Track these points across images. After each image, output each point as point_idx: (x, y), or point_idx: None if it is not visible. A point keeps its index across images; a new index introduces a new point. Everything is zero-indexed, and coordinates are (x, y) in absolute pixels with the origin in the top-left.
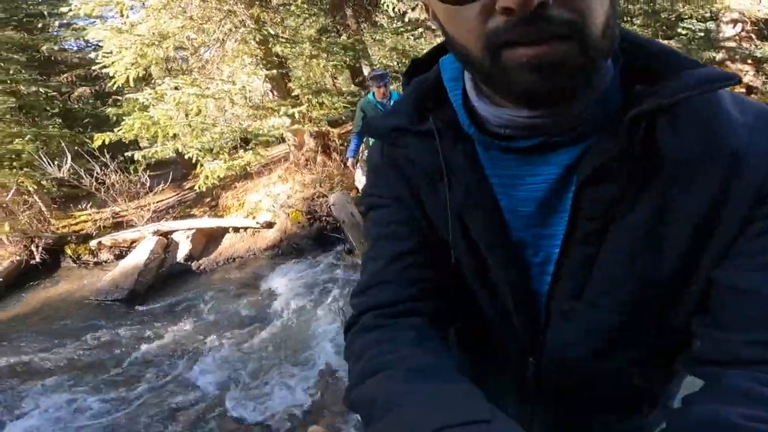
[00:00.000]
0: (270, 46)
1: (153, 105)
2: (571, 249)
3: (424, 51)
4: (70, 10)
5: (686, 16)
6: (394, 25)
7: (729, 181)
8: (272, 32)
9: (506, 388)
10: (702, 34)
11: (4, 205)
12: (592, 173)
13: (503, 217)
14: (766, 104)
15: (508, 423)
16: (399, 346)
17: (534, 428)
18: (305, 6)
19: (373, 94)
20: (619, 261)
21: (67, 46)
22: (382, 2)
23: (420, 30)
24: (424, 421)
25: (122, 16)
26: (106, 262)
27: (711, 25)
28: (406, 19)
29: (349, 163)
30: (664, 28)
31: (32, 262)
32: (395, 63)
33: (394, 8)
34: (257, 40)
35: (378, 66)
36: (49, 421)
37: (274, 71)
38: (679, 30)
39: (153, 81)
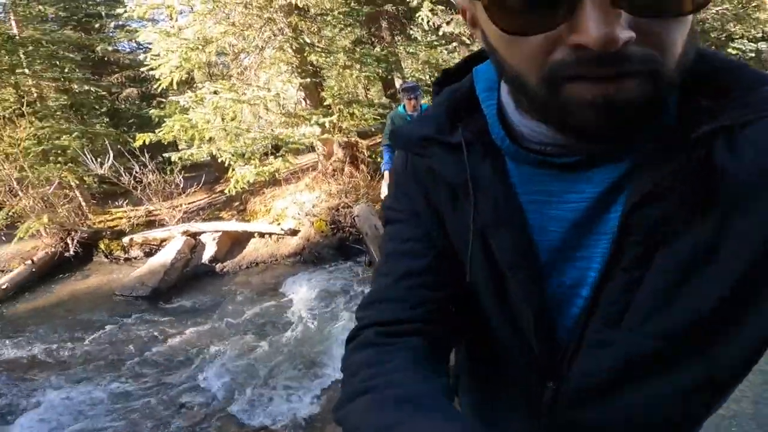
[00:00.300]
0: (306, 54)
1: (192, 108)
2: (615, 273)
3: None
4: (125, 11)
5: (737, 36)
6: (428, 39)
7: None
8: (308, 41)
9: (515, 416)
10: (753, 54)
11: (45, 198)
12: (646, 193)
13: (531, 236)
14: None
15: None
16: (393, 368)
17: None
18: (341, 16)
19: (404, 106)
20: (665, 286)
21: (119, 48)
22: (416, 16)
23: (454, 44)
24: None
25: (171, 19)
26: (135, 258)
27: (763, 45)
28: (440, 33)
29: (386, 176)
30: (713, 47)
31: (66, 254)
32: (427, 76)
33: (428, 22)
34: (294, 48)
35: (410, 79)
36: (59, 409)
37: (308, 80)
38: (729, 50)
39: (195, 85)
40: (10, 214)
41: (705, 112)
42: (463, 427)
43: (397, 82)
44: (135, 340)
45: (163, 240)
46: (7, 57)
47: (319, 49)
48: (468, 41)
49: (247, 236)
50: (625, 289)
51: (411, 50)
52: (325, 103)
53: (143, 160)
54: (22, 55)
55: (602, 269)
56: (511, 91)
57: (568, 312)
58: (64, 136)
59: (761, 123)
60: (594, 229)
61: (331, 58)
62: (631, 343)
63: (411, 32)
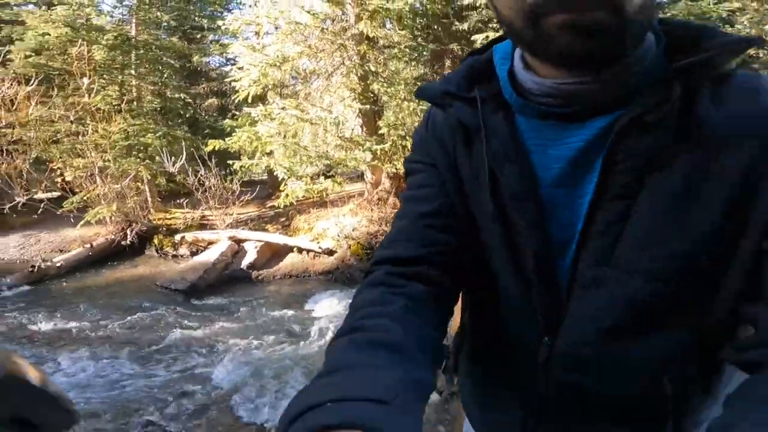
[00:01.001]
0: (369, 82)
1: (261, 121)
2: (602, 204)
3: None
4: (222, 26)
5: None
6: None
7: None
8: (373, 69)
9: (512, 386)
10: None
11: (119, 189)
12: (628, 123)
13: (535, 172)
14: None
15: (407, 410)
16: (387, 312)
17: None
18: (407, 50)
19: None
20: (653, 218)
21: (211, 61)
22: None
23: None
24: (334, 389)
25: (258, 35)
26: (182, 256)
27: None
28: None
29: None
30: None
31: (123, 243)
32: None
33: None
34: (358, 75)
35: None
36: (72, 380)
37: (368, 107)
38: None
39: (267, 102)
40: (85, 198)
41: (686, 52)
42: (401, 378)
43: None
44: (162, 328)
45: (210, 242)
46: (121, 57)
47: (382, 79)
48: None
49: (287, 250)
50: (612, 222)
51: None
52: (379, 132)
53: (209, 165)
54: (133, 57)
55: (592, 199)
56: (521, 55)
57: (566, 251)
58: (148, 135)
59: (742, 78)
60: (587, 165)
61: (392, 89)
62: (623, 283)
63: None
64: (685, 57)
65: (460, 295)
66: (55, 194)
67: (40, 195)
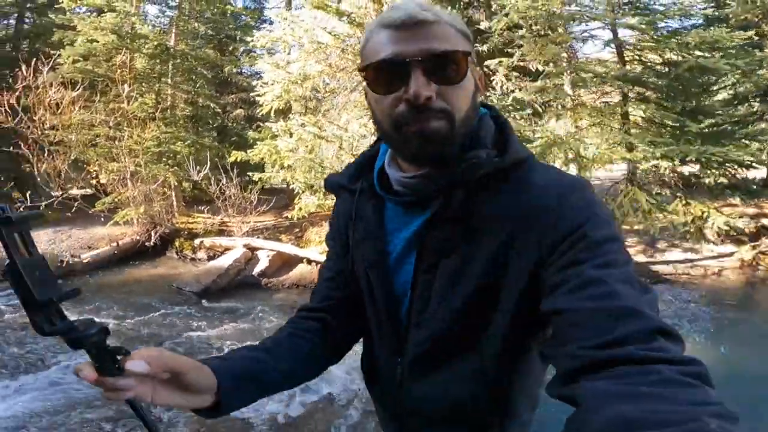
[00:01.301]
0: None
1: (281, 136)
2: (419, 276)
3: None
4: (253, 40)
5: None
6: (503, 103)
7: (539, 230)
8: None
9: (385, 392)
10: None
11: (147, 193)
12: (425, 225)
13: (386, 248)
14: (563, 170)
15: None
16: (286, 333)
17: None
18: None
19: None
20: (444, 285)
21: (242, 71)
22: (491, 80)
23: (528, 111)
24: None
25: (284, 52)
26: (199, 260)
27: None
28: (510, 99)
29: None
30: None
31: (146, 244)
32: None
33: (502, 86)
34: None
35: None
36: (54, 378)
37: None
38: None
39: (289, 116)
40: (116, 200)
41: (464, 164)
42: (248, 350)
43: None
44: (173, 327)
45: (227, 248)
46: (159, 66)
47: None
48: (540, 109)
49: (297, 260)
50: (424, 287)
51: None
52: None
53: (231, 175)
54: (170, 66)
55: (413, 271)
56: (390, 152)
57: (405, 301)
58: (178, 143)
59: (515, 174)
60: (415, 245)
61: None
62: (433, 324)
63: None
64: (485, 158)
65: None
66: (88, 192)
67: (75, 191)
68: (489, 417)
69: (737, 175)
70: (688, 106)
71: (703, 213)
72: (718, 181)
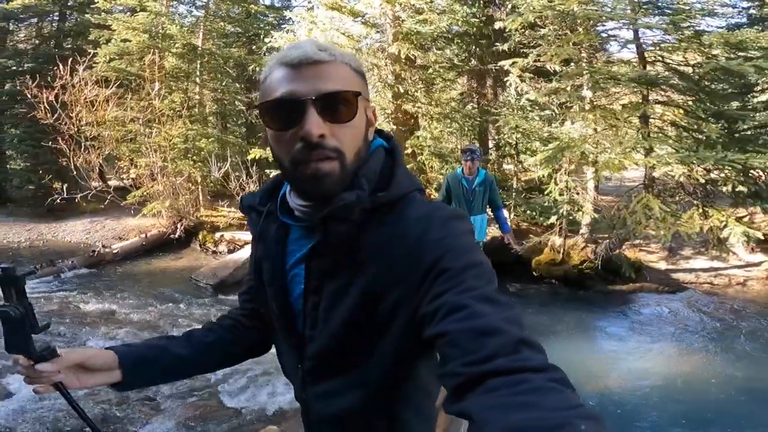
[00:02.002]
0: (400, 102)
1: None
2: (308, 296)
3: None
4: (271, 40)
5: None
6: (520, 103)
7: (409, 262)
8: (402, 90)
9: (296, 395)
10: None
11: (174, 187)
12: (309, 252)
13: (284, 267)
14: (439, 204)
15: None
16: (208, 328)
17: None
18: (441, 70)
19: (462, 169)
20: (328, 308)
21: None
22: (505, 80)
23: (547, 112)
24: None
25: None
26: (220, 253)
27: None
28: (523, 100)
29: None
30: None
31: (172, 236)
32: (513, 140)
33: (516, 87)
34: (392, 94)
35: (502, 140)
36: None
37: (398, 128)
38: None
39: None
40: (145, 193)
41: (336, 203)
42: (157, 339)
43: (491, 143)
44: (186, 318)
45: (246, 242)
46: (186, 65)
47: (413, 99)
48: (556, 111)
49: None
50: (312, 305)
51: (504, 113)
52: (406, 152)
53: (251, 171)
54: (198, 65)
55: (303, 291)
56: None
57: (301, 316)
58: (203, 140)
59: (394, 206)
60: (302, 267)
61: (423, 108)
62: (320, 338)
63: (506, 95)
64: (364, 195)
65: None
66: (121, 184)
67: (111, 183)
68: (377, 426)
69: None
70: (710, 109)
71: (721, 222)
72: (738, 189)
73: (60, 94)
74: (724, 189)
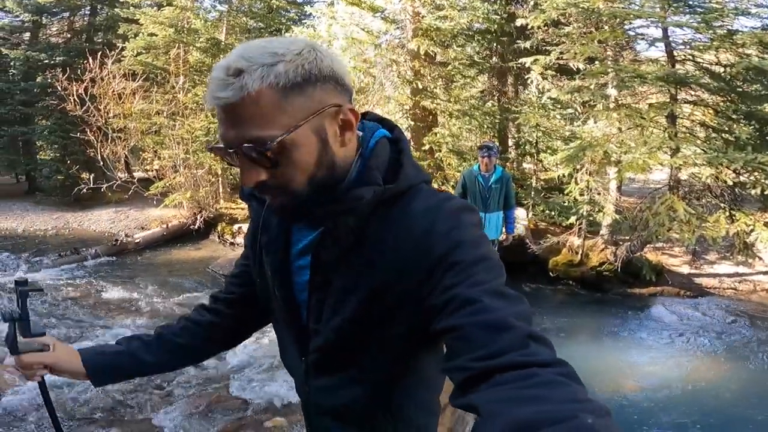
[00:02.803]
0: (419, 98)
1: None
2: (313, 289)
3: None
4: (294, 34)
5: None
6: (542, 101)
7: (417, 254)
8: (422, 87)
9: (298, 387)
10: None
11: (195, 179)
12: (316, 244)
13: (288, 257)
14: (448, 195)
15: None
16: (182, 327)
17: (312, 424)
18: (461, 67)
19: (479, 165)
20: (334, 302)
21: None
22: (526, 78)
23: (570, 110)
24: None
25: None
26: (238, 244)
27: None
28: (545, 98)
29: None
30: None
31: (192, 227)
32: (533, 138)
33: (538, 85)
34: (411, 89)
35: (522, 138)
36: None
37: (415, 123)
38: None
39: None
40: (167, 184)
41: (349, 199)
42: (128, 342)
43: (510, 142)
44: None
45: None
46: (210, 59)
47: (432, 96)
48: (579, 109)
49: None
50: (318, 298)
51: (525, 110)
52: (423, 149)
53: None
54: (221, 59)
55: (308, 284)
56: None
57: (305, 308)
58: None
59: (399, 201)
60: (308, 258)
61: (442, 105)
62: (325, 332)
63: (527, 93)
64: (367, 191)
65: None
66: (144, 176)
67: (137, 174)
68: (380, 419)
69: None
70: (741, 110)
71: (748, 227)
72: (766, 192)
73: (89, 87)
74: (753, 192)
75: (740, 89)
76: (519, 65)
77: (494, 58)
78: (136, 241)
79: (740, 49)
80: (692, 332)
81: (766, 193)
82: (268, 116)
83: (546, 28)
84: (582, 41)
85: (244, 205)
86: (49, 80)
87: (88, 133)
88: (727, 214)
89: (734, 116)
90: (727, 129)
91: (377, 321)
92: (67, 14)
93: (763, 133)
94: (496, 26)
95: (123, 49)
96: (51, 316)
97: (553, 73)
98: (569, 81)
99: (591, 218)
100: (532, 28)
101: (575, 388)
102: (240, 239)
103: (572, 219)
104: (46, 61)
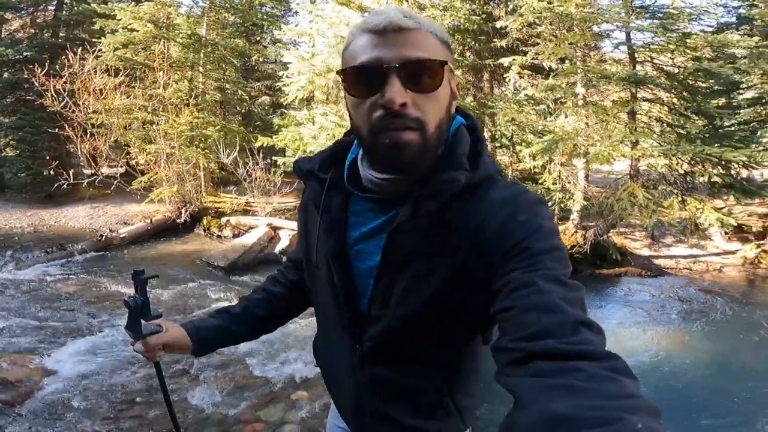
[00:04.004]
0: None
1: (304, 124)
2: (383, 274)
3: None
4: (280, 33)
5: None
6: (518, 98)
7: (495, 243)
8: None
9: (341, 376)
10: None
11: (180, 173)
12: (394, 227)
13: (346, 240)
14: (523, 187)
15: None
16: (262, 299)
17: (362, 410)
18: None
19: None
20: (406, 286)
21: (268, 59)
22: (505, 77)
23: (542, 106)
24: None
25: (309, 45)
26: (225, 237)
27: None
28: (522, 95)
29: None
30: None
31: (177, 221)
32: (509, 132)
33: (515, 83)
34: None
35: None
36: (107, 339)
37: None
38: None
39: (313, 104)
40: (151, 179)
41: (441, 182)
42: (220, 316)
43: (487, 134)
44: (203, 297)
45: (251, 227)
46: (192, 54)
47: None
48: (551, 106)
49: None
50: (388, 285)
51: (500, 106)
52: None
53: (257, 158)
54: (202, 55)
55: (378, 268)
56: (362, 151)
57: (365, 295)
58: (210, 128)
59: (479, 188)
60: (376, 243)
61: None
62: (390, 319)
63: (503, 90)
64: (448, 176)
65: None
66: (121, 171)
67: (107, 170)
68: (433, 403)
69: (737, 176)
70: (692, 107)
71: (697, 210)
72: (713, 180)
73: (67, 83)
74: (702, 180)
75: (691, 88)
76: (495, 63)
77: (470, 56)
78: (122, 236)
79: (692, 52)
80: (653, 307)
81: (713, 180)
82: (432, 49)
83: (521, 28)
84: (555, 42)
85: (228, 199)
86: (20, 76)
87: (67, 128)
88: (680, 199)
89: (686, 113)
90: (679, 124)
91: (451, 307)
92: (30, 9)
93: (715, 127)
94: (475, 26)
95: (98, 44)
96: (54, 310)
97: (529, 72)
98: (543, 79)
99: (563, 205)
100: (506, 29)
101: (624, 383)
102: (227, 232)
103: None
104: (12, 57)
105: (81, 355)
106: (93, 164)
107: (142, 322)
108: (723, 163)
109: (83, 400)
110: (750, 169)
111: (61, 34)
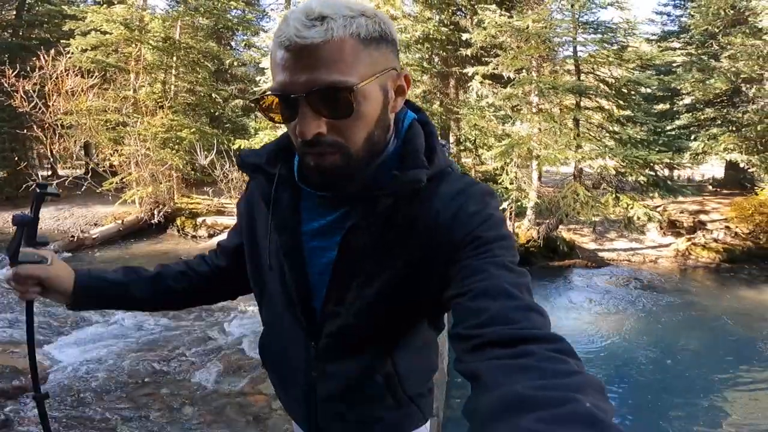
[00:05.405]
0: None
1: (278, 126)
2: (339, 270)
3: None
4: (258, 37)
5: None
6: (480, 104)
7: (447, 235)
8: None
9: (293, 373)
10: None
11: (154, 174)
12: (351, 224)
13: (300, 236)
14: (473, 179)
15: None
16: (181, 272)
17: (317, 409)
18: (413, 72)
19: None
20: (362, 284)
21: (239, 62)
22: (468, 85)
23: (503, 112)
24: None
25: None
26: (200, 237)
27: None
28: (483, 103)
29: None
30: None
31: (151, 221)
32: (472, 136)
33: (477, 91)
34: None
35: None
36: (117, 330)
37: None
38: None
39: None
40: (124, 180)
41: (392, 179)
42: (124, 273)
43: (452, 138)
44: None
45: (227, 226)
46: (166, 57)
47: None
48: (509, 112)
49: None
50: (343, 281)
51: (464, 112)
52: None
53: (233, 160)
54: (175, 58)
55: (334, 265)
56: None
57: (320, 292)
58: (184, 130)
59: (430, 184)
60: (330, 240)
61: None
62: (347, 315)
63: (468, 96)
64: (400, 173)
65: None
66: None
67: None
68: (387, 394)
69: (663, 176)
70: (626, 115)
71: (628, 205)
72: (639, 179)
73: (37, 84)
74: (631, 179)
75: (626, 97)
76: (461, 71)
77: (438, 62)
78: (93, 236)
79: (626, 64)
80: (599, 295)
81: (639, 180)
82: (348, 63)
83: (484, 39)
84: (513, 54)
85: (201, 199)
86: None
87: (35, 129)
88: (614, 196)
89: (621, 120)
90: (615, 130)
91: (405, 300)
92: None
93: (654, 131)
94: (443, 36)
95: (66, 45)
96: (36, 307)
97: (490, 81)
98: (502, 88)
99: (519, 203)
100: (471, 41)
101: (570, 363)
102: (202, 232)
103: (504, 204)
104: None
105: (83, 344)
106: (54, 165)
107: (23, 247)
108: (649, 164)
109: (94, 383)
110: (673, 169)
111: (23, 34)
